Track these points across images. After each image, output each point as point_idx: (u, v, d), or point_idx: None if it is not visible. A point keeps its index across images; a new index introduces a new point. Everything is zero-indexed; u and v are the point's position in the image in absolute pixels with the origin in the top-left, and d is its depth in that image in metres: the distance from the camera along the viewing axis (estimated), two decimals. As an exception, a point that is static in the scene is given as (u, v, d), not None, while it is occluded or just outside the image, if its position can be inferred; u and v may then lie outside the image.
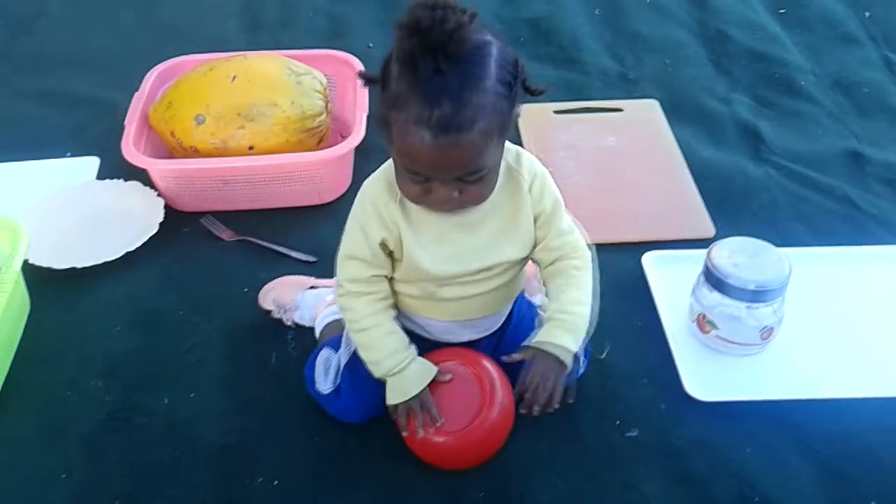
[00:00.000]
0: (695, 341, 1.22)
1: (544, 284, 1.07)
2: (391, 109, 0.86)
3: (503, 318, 1.12)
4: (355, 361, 1.07)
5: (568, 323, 1.01)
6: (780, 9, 2.04)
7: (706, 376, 1.17)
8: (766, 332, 1.18)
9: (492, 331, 1.11)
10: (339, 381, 1.08)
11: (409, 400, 1.01)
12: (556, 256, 1.04)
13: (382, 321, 1.03)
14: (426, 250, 0.98)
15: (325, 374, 1.10)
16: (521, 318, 1.13)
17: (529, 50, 1.88)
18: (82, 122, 1.67)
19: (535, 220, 1.01)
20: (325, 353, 1.12)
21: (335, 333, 1.14)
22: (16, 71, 1.85)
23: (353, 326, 1.04)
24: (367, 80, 0.93)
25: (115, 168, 1.49)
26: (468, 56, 0.83)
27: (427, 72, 0.82)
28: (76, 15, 2.05)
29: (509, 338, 1.10)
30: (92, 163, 1.55)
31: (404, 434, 1.03)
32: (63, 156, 1.58)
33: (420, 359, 1.03)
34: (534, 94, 0.92)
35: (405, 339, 1.03)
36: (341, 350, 1.10)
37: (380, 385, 1.06)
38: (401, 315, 1.06)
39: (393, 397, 1.02)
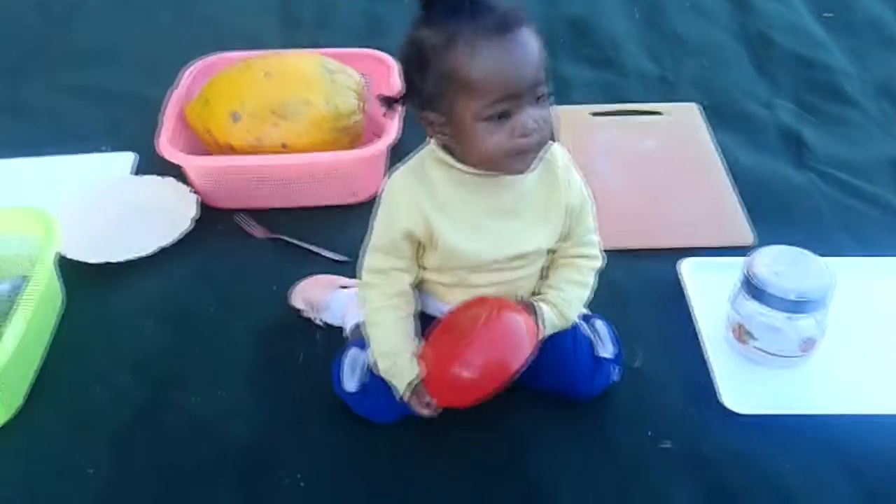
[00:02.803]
0: (732, 352, 1.19)
1: (550, 268, 1.06)
2: (445, 62, 0.87)
3: None
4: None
5: (561, 317, 1.03)
6: (824, 13, 2.00)
7: (743, 388, 1.14)
8: (808, 344, 1.14)
9: None
10: (365, 379, 1.08)
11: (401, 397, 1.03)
12: (579, 253, 1.05)
13: (386, 318, 1.02)
14: (463, 237, 0.98)
15: (351, 373, 1.09)
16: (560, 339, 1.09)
17: (568, 51, 1.86)
18: (119, 118, 1.68)
19: (569, 213, 1.02)
20: (352, 352, 1.11)
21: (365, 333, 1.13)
22: (54, 65, 1.86)
23: (367, 320, 1.04)
24: (389, 100, 0.96)
25: (151, 164, 1.49)
26: None
27: (462, 4, 0.86)
28: (114, 10, 2.06)
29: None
30: (128, 158, 1.56)
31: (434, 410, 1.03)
32: (99, 150, 1.59)
33: (406, 361, 1.02)
34: None
35: (405, 340, 1.02)
36: (369, 349, 1.09)
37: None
38: (428, 298, 1.06)
39: (395, 393, 1.04)
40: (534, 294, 1.06)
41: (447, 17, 0.87)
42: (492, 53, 0.86)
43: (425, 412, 1.03)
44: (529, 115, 0.89)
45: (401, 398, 1.03)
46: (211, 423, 1.11)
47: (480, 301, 0.99)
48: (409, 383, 1.02)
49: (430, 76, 0.88)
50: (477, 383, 0.95)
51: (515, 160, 0.92)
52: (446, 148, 0.96)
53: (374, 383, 1.07)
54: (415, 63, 0.90)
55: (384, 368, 1.03)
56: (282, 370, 1.18)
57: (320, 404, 1.12)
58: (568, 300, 1.04)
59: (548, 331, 1.02)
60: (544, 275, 1.07)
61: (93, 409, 1.13)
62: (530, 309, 1.01)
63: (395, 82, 1.47)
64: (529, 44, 0.88)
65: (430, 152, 0.98)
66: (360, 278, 1.04)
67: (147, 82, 1.72)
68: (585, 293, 1.06)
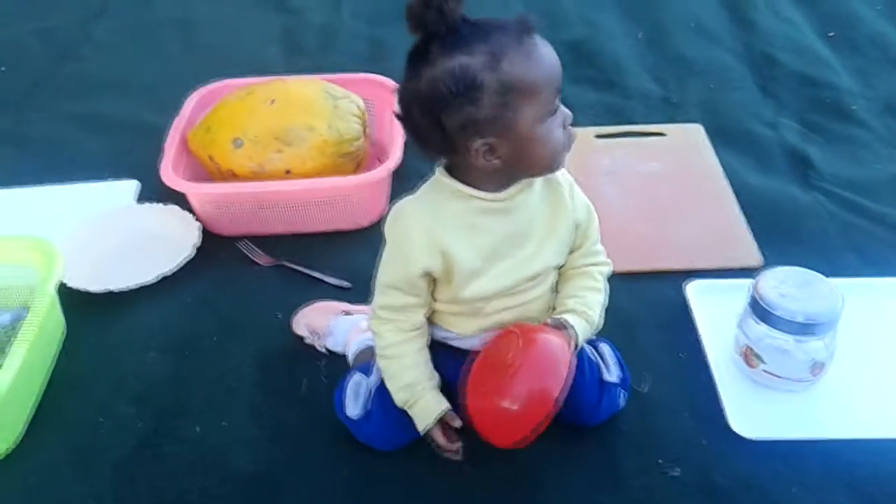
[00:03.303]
0: (741, 375, 1.17)
1: (561, 282, 1.06)
2: (505, 74, 0.86)
3: None
4: (386, 387, 1.05)
5: (589, 323, 1.02)
6: (828, 32, 1.99)
7: (752, 412, 1.12)
8: (817, 368, 1.13)
9: None
10: (368, 406, 1.07)
11: (426, 430, 1.02)
12: (589, 262, 1.05)
13: (405, 352, 1.02)
14: (481, 268, 0.97)
15: (355, 399, 1.08)
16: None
17: (570, 72, 1.83)
18: (123, 147, 1.68)
19: (577, 227, 1.02)
20: (355, 378, 1.10)
21: (367, 360, 1.12)
22: (59, 95, 1.88)
23: (379, 353, 1.04)
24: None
25: (154, 192, 1.50)
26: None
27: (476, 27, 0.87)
28: (120, 41, 2.08)
29: None
30: (131, 186, 1.56)
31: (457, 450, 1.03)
32: (103, 179, 1.59)
33: (432, 395, 1.02)
34: None
35: (425, 371, 1.03)
36: (372, 375, 1.09)
37: (409, 412, 1.05)
38: (436, 328, 1.05)
39: (418, 426, 1.03)
40: (548, 312, 1.05)
41: (466, 42, 0.86)
42: (538, 52, 0.88)
43: (451, 448, 1.02)
44: (563, 106, 0.93)
45: (425, 433, 1.02)
46: (214, 453, 1.10)
47: (508, 332, 0.97)
48: (437, 417, 1.01)
49: (485, 99, 0.86)
50: (526, 414, 0.92)
51: (565, 154, 0.95)
52: (463, 177, 0.94)
53: (378, 410, 1.06)
54: (459, 95, 0.86)
55: (404, 400, 1.02)
56: (285, 398, 1.17)
57: (324, 432, 1.11)
58: (590, 304, 1.03)
59: (581, 339, 1.01)
60: (555, 290, 1.06)
61: (94, 440, 1.12)
62: (559, 326, 0.99)
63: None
64: (543, 38, 0.90)
65: (443, 185, 0.96)
66: (373, 314, 1.03)
67: (152, 110, 1.73)
68: (602, 298, 1.05)
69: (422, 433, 1.03)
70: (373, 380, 1.08)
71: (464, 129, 0.89)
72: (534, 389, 0.92)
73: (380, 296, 1.01)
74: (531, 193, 0.98)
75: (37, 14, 2.17)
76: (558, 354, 0.94)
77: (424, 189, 0.99)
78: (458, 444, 1.03)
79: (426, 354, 1.04)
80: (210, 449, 1.10)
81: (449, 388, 1.04)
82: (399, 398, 1.03)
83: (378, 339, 1.03)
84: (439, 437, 1.02)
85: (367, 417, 1.07)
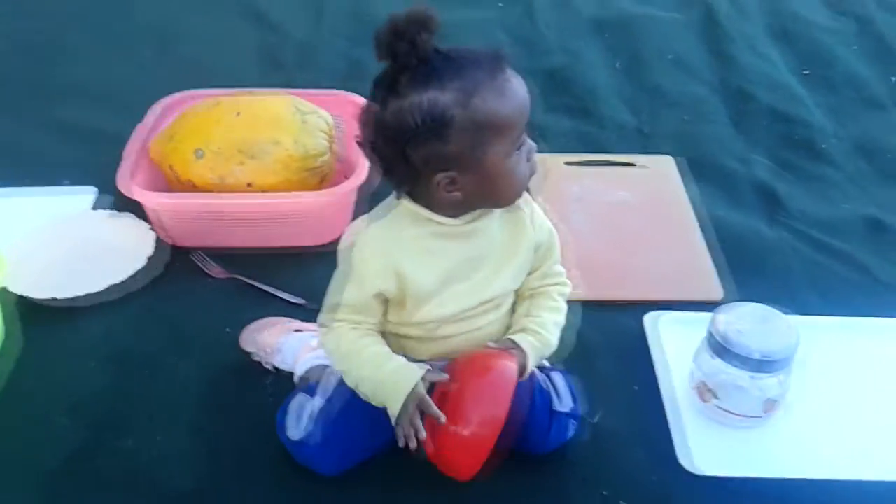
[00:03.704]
0: (694, 410, 1.15)
1: (518, 302, 1.03)
2: (477, 111, 0.84)
3: None
4: (329, 408, 1.03)
5: (542, 343, 1.00)
6: (804, 69, 2.00)
7: (705, 448, 1.10)
8: (770, 405, 1.11)
9: None
10: (310, 428, 1.03)
11: (404, 408, 0.92)
12: (549, 282, 1.03)
13: (366, 343, 0.97)
14: (436, 290, 0.95)
15: (297, 421, 1.05)
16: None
17: (546, 100, 1.85)
18: (85, 153, 1.64)
19: (537, 250, 1.00)
20: (298, 399, 1.07)
21: (315, 380, 1.09)
22: (26, 100, 1.83)
23: (335, 355, 0.99)
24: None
25: (113, 201, 1.47)
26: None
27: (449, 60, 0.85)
28: (94, 49, 2.04)
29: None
30: (89, 193, 1.53)
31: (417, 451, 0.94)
32: (61, 184, 1.56)
33: (400, 362, 0.96)
34: None
35: (390, 353, 0.97)
36: (316, 397, 1.05)
37: (354, 435, 1.02)
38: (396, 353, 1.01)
39: (392, 414, 0.94)
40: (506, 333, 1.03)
41: (438, 76, 0.84)
42: (510, 88, 0.87)
43: (418, 436, 0.92)
44: (528, 138, 0.92)
45: (397, 420, 0.94)
46: (148, 469, 1.06)
47: (454, 361, 0.96)
48: (413, 390, 0.92)
49: (454, 135, 0.85)
50: (478, 438, 0.91)
51: (525, 186, 0.94)
52: (422, 201, 0.93)
53: (319, 432, 1.03)
54: (426, 130, 0.84)
55: (372, 388, 0.95)
56: (227, 416, 1.13)
57: (265, 453, 1.08)
58: (544, 324, 1.01)
59: (533, 360, 0.98)
60: (514, 311, 1.04)
61: (24, 451, 1.08)
62: (508, 348, 0.97)
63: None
64: (514, 72, 0.89)
65: (402, 207, 0.94)
66: (324, 327, 0.98)
67: (119, 118, 1.68)
68: (560, 318, 1.03)
69: (401, 406, 0.92)
70: (316, 402, 1.05)
71: (427, 162, 0.87)
72: (482, 412, 0.91)
73: (330, 312, 0.98)
74: (491, 218, 0.96)
75: (14, 19, 2.14)
76: (503, 376, 0.93)
77: (381, 209, 0.97)
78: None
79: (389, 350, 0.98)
80: (144, 464, 1.07)
81: None
82: (367, 388, 0.95)
83: (334, 342, 0.97)
84: (414, 420, 0.91)
85: (308, 440, 1.03)
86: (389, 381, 0.94)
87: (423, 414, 0.92)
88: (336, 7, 2.20)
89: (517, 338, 0.99)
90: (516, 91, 0.87)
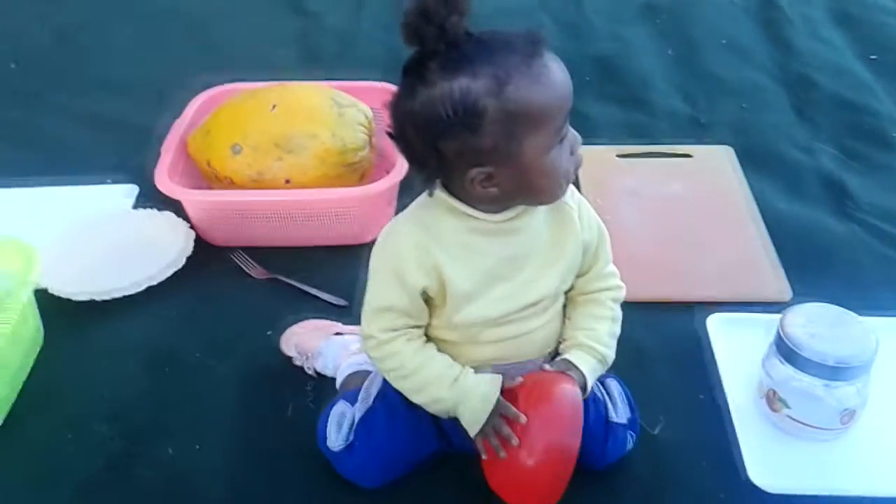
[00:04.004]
0: (764, 421, 1.07)
1: (569, 307, 0.98)
2: (510, 101, 0.78)
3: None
4: (372, 417, 0.97)
5: (599, 359, 0.95)
6: (871, 55, 1.89)
7: (775, 462, 1.02)
8: (847, 416, 1.02)
9: None
10: (351, 437, 0.98)
11: (489, 420, 0.89)
12: (601, 286, 0.97)
13: (429, 355, 0.92)
14: (475, 290, 0.89)
15: (337, 430, 1.00)
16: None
17: (594, 89, 1.77)
18: (128, 149, 1.61)
19: (586, 250, 0.94)
20: (339, 407, 1.02)
21: (356, 385, 1.04)
22: (71, 94, 1.82)
23: (398, 374, 0.92)
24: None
25: (153, 197, 1.43)
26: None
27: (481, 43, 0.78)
28: (134, 43, 2.02)
29: None
30: (130, 191, 1.49)
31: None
32: (104, 182, 1.53)
33: (476, 377, 0.91)
34: None
35: (457, 364, 0.92)
36: (357, 404, 1.00)
37: (397, 446, 0.97)
38: None
39: (471, 430, 0.91)
40: (553, 343, 0.97)
41: (470, 62, 0.78)
42: (547, 75, 0.79)
43: (511, 443, 0.88)
44: (571, 129, 0.85)
45: (479, 432, 0.89)
46: (185, 478, 1.02)
47: (511, 391, 0.90)
48: (497, 397, 0.88)
49: (487, 127, 0.78)
50: (544, 467, 0.87)
51: (569, 182, 0.87)
52: (459, 195, 0.87)
53: (361, 442, 0.98)
54: (457, 122, 0.78)
55: (453, 406, 0.90)
56: (267, 423, 1.09)
57: (305, 463, 1.03)
58: (599, 337, 0.95)
59: (592, 379, 0.93)
60: (564, 318, 0.98)
61: (61, 459, 1.05)
62: (565, 370, 0.92)
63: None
64: (554, 55, 0.81)
65: (438, 200, 0.88)
66: (370, 341, 0.92)
67: (159, 114, 1.66)
68: (616, 327, 0.97)
69: (483, 421, 0.89)
70: (357, 409, 1.00)
71: (461, 156, 0.81)
72: (547, 440, 0.87)
73: (374, 321, 0.91)
74: (534, 215, 0.90)
75: (53, 12, 2.13)
76: (568, 401, 0.89)
77: (416, 205, 0.91)
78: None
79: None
80: (181, 473, 1.03)
81: (445, 430, 0.96)
82: (446, 399, 0.90)
83: (390, 361, 0.91)
84: (506, 414, 0.88)
85: (350, 450, 0.98)
86: (473, 394, 0.90)
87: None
88: (377, -6, 2.15)
89: (573, 357, 0.93)
90: (555, 77, 0.80)
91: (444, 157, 0.82)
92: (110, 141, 1.65)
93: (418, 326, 0.92)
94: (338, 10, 2.12)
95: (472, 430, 0.90)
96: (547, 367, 0.93)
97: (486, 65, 0.78)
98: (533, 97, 0.79)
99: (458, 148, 0.80)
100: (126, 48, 2.00)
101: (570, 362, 0.93)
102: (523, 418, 0.87)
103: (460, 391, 0.90)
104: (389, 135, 0.85)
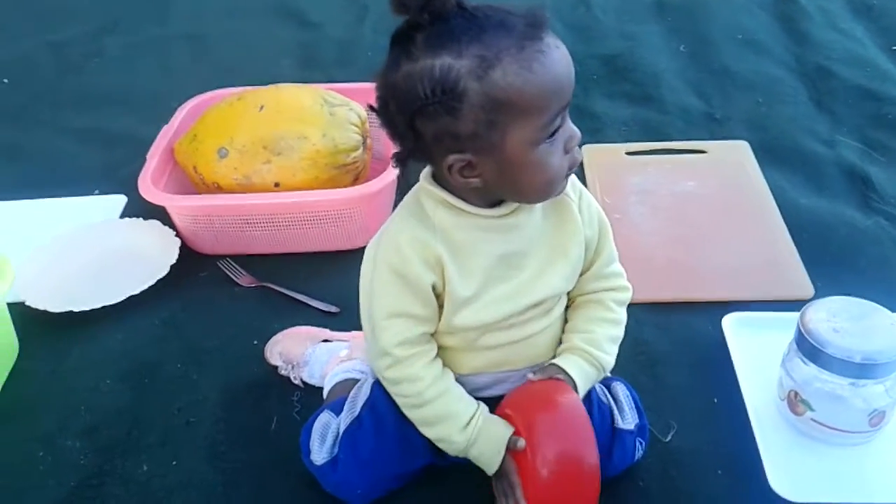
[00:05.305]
0: (785, 425, 0.99)
1: (569, 309, 0.91)
2: (492, 86, 0.71)
3: None
4: (358, 428, 0.90)
5: (594, 364, 0.88)
6: (892, 45, 1.81)
7: (798, 470, 0.94)
8: (877, 418, 0.94)
9: None
10: (336, 450, 0.91)
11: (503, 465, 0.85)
12: (603, 286, 0.90)
13: (447, 387, 0.86)
14: (474, 291, 0.82)
15: (321, 442, 0.92)
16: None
17: (603, 87, 1.70)
18: (117, 160, 1.57)
19: (587, 245, 0.87)
20: (323, 418, 0.95)
21: (343, 394, 0.97)
22: (60, 108, 1.80)
23: (412, 401, 0.86)
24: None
25: (141, 207, 1.38)
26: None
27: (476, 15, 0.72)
28: (131, 56, 2.00)
29: None
30: (118, 201, 1.45)
31: None
32: (92, 193, 1.49)
33: (491, 420, 0.86)
34: None
35: (472, 400, 0.87)
36: (343, 414, 0.93)
37: (387, 457, 0.90)
38: None
39: (488, 471, 0.87)
40: (557, 347, 0.90)
41: (456, 39, 0.71)
42: (542, 62, 0.72)
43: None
44: (570, 123, 0.77)
45: (496, 475, 0.86)
46: (160, 497, 0.95)
47: (507, 406, 0.86)
48: (509, 440, 0.84)
49: (466, 111, 0.72)
50: (560, 476, 0.82)
51: (565, 180, 0.80)
52: (447, 187, 0.80)
53: (346, 455, 0.91)
54: (436, 102, 0.72)
55: (464, 448, 0.86)
56: (249, 437, 1.02)
57: (290, 478, 0.96)
58: (596, 341, 0.88)
59: (584, 387, 0.86)
60: (566, 318, 0.91)
61: (32, 476, 0.99)
62: (552, 375, 0.85)
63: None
64: (558, 41, 0.75)
65: (428, 194, 0.82)
66: (387, 360, 0.85)
67: (151, 124, 1.61)
68: (617, 331, 0.91)
69: (495, 469, 0.86)
70: (343, 419, 0.93)
71: (439, 140, 0.75)
72: (557, 449, 0.82)
73: (385, 333, 0.84)
74: (533, 210, 0.83)
75: (48, 28, 2.11)
76: (569, 410, 0.84)
77: (407, 201, 0.85)
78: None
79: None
80: (156, 492, 0.96)
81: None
82: (458, 442, 0.85)
83: (408, 386, 0.85)
84: (512, 468, 0.84)
85: (335, 464, 0.91)
86: (487, 440, 0.85)
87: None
88: (382, 2, 2.10)
89: (563, 361, 0.86)
90: (550, 65, 0.73)
91: (423, 138, 0.76)
92: (99, 153, 1.62)
93: (428, 336, 0.86)
94: (340, 21, 2.09)
95: (489, 471, 0.87)
96: (531, 375, 0.86)
97: (474, 44, 0.71)
98: (521, 84, 0.72)
99: (436, 130, 0.74)
100: (121, 63, 1.97)
101: (558, 367, 0.86)
102: (522, 443, 0.82)
103: (474, 434, 0.85)
104: (371, 108, 0.79)
